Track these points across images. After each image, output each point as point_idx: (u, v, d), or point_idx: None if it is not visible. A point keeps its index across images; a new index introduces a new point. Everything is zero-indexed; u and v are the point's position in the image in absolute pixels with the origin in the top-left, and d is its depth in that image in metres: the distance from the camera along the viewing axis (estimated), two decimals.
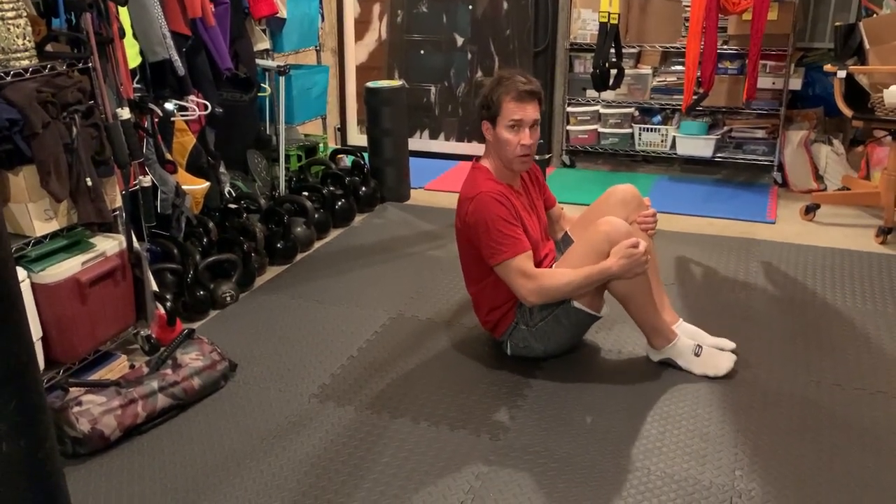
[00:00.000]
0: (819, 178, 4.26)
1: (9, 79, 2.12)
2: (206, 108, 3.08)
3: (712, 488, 1.92)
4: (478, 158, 2.49)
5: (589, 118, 4.71)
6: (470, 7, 4.94)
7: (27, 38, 2.17)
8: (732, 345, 2.52)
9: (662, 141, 4.55)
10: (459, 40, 5.04)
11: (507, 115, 2.33)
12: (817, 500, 1.87)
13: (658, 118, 4.56)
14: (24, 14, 2.16)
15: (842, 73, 3.55)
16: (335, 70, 5.20)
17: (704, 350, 2.43)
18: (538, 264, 2.44)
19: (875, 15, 3.91)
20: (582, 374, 2.46)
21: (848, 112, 3.59)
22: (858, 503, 1.86)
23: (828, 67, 3.64)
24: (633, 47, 4.51)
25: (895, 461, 2.00)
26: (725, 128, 4.47)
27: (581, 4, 4.55)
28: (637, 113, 4.62)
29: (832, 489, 1.90)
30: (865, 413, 2.21)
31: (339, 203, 3.86)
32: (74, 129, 2.22)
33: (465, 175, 2.48)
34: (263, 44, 3.74)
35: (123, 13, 2.58)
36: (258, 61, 3.61)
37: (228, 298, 2.99)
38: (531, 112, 2.34)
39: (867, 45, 3.58)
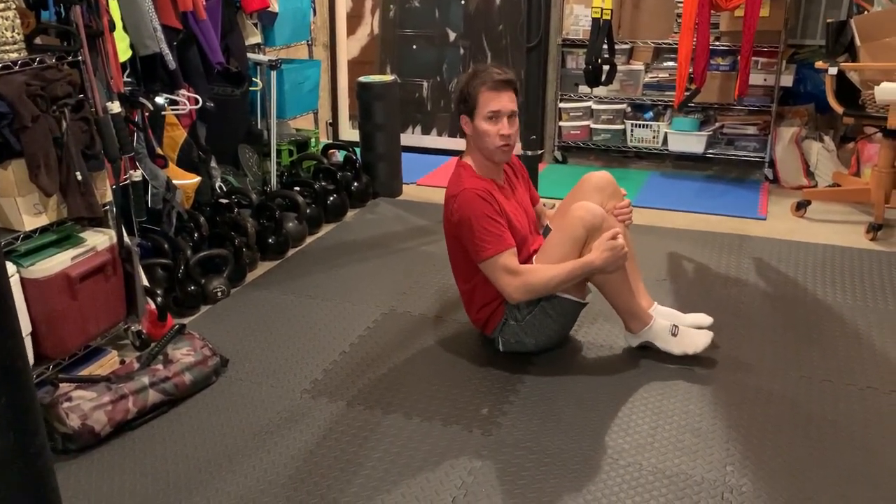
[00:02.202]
0: (810, 174, 4.28)
1: None
2: (196, 102, 3.07)
3: (704, 483, 1.92)
4: (461, 155, 2.49)
5: (581, 114, 4.71)
6: (462, 2, 4.93)
7: (16, 31, 2.15)
8: (710, 319, 2.55)
9: (654, 137, 4.56)
10: (452, 35, 5.03)
11: (484, 106, 2.33)
12: (808, 495, 1.88)
13: (650, 114, 4.57)
14: (13, 6, 2.14)
15: (833, 70, 3.56)
16: (327, 65, 5.18)
17: (681, 329, 2.45)
18: (528, 258, 2.45)
19: (866, 12, 3.92)
20: (574, 369, 2.46)
21: (839, 109, 3.60)
22: (849, 498, 1.87)
23: (819, 64, 3.66)
24: (626, 43, 4.51)
25: (885, 456, 2.01)
26: (717, 124, 4.48)
27: (573, 0, 4.54)
28: (629, 109, 4.62)
29: (823, 484, 1.91)
30: (856, 408, 2.22)
31: (331, 198, 3.85)
32: (64, 122, 2.20)
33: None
34: (255, 38, 3.72)
35: (114, 6, 2.56)
36: (249, 55, 3.60)
37: (220, 294, 2.98)
38: (507, 102, 2.34)
39: (858, 42, 3.60)
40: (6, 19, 2.11)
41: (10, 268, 2.15)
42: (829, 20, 3.72)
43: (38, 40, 2.29)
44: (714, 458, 2.02)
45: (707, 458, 2.02)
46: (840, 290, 3.00)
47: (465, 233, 2.35)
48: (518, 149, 3.66)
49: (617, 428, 2.15)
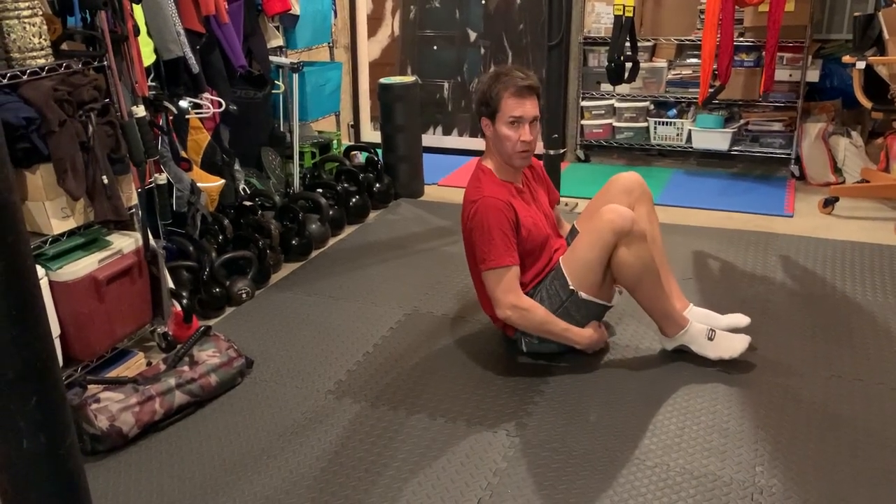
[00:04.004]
0: (837, 170, 4.21)
1: (25, 77, 2.13)
2: (220, 105, 3.09)
3: (733, 484, 1.90)
4: (481, 157, 2.48)
5: (603, 112, 4.68)
6: (483, 1, 4.92)
7: (43, 37, 2.17)
8: (747, 320, 2.50)
9: (678, 135, 4.52)
10: (472, 35, 5.02)
11: (506, 111, 2.31)
12: (839, 496, 1.84)
13: (673, 112, 4.53)
14: (40, 12, 2.17)
15: (861, 64, 3.51)
16: (348, 66, 5.20)
17: (717, 333, 2.41)
18: (550, 260, 2.44)
19: (894, 4, 3.85)
20: (599, 369, 2.44)
21: (867, 103, 3.55)
22: (880, 499, 1.83)
23: (846, 58, 3.60)
24: (649, 40, 4.47)
25: None
26: (742, 121, 4.42)
27: None
28: (652, 106, 4.58)
29: (854, 485, 1.88)
30: (887, 408, 2.18)
31: (354, 200, 3.86)
32: (90, 127, 2.22)
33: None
34: (277, 41, 3.74)
35: (138, 11, 2.58)
36: (272, 58, 3.62)
37: (244, 295, 3.00)
38: (530, 108, 2.33)
39: (886, 36, 3.53)
40: (33, 25, 2.14)
41: (39, 271, 2.18)
42: (855, 13, 3.67)
43: (64, 46, 2.31)
44: (743, 458, 1.99)
45: (736, 458, 1.99)
46: (870, 287, 2.95)
47: (476, 239, 2.35)
48: (540, 148, 3.66)
49: (644, 428, 2.13)
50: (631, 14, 3.70)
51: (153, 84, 2.81)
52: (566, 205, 3.90)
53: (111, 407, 2.11)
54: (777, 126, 4.35)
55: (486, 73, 2.42)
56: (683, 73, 4.46)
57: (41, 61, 2.17)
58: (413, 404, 2.28)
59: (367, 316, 2.86)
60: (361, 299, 3.01)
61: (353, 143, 4.74)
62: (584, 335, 2.41)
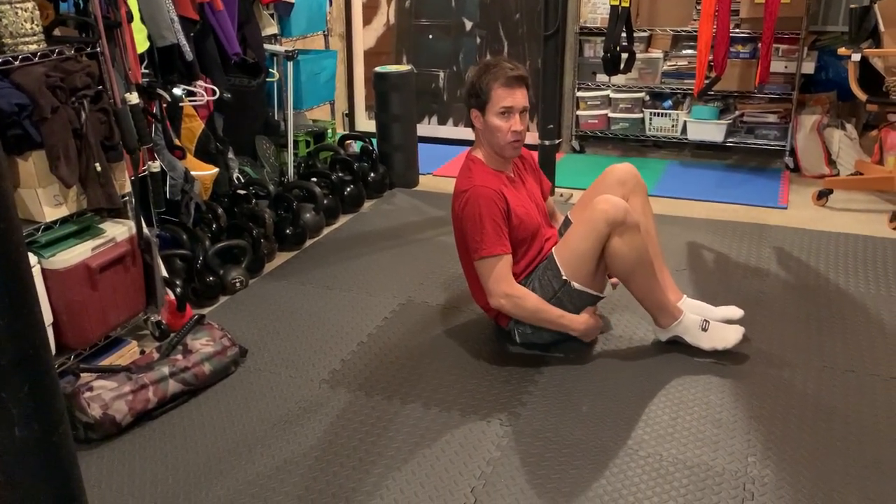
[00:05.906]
0: (832, 162, 4.22)
1: (17, 63, 2.11)
2: (214, 93, 3.07)
3: (725, 474, 1.91)
4: (471, 149, 2.48)
5: (599, 103, 4.67)
6: None
7: (35, 23, 2.16)
8: (740, 312, 2.51)
9: (673, 126, 4.51)
10: (468, 24, 5.00)
11: (496, 101, 2.31)
12: (831, 486, 1.86)
13: (669, 103, 4.52)
14: None
15: (856, 57, 3.50)
16: (343, 55, 5.18)
17: (711, 324, 2.42)
18: (541, 249, 2.45)
19: None
20: (593, 359, 2.45)
21: (862, 96, 3.55)
22: (873, 489, 1.85)
23: (842, 51, 3.60)
24: (645, 31, 4.46)
25: None
26: (737, 112, 4.43)
27: None
28: (648, 97, 4.57)
29: (846, 475, 1.89)
30: (879, 399, 2.20)
31: (348, 189, 3.85)
32: (83, 113, 2.21)
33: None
34: (271, 29, 3.72)
35: None
36: (266, 46, 3.59)
37: (238, 284, 2.99)
38: (520, 98, 2.33)
39: (882, 28, 3.53)
40: (25, 11, 2.12)
41: (31, 259, 2.16)
42: (851, 6, 3.66)
43: (56, 32, 2.30)
44: (735, 448, 2.00)
45: (728, 448, 2.00)
46: (863, 279, 2.96)
47: (467, 228, 2.35)
48: (534, 138, 3.66)
49: (636, 418, 2.14)
50: (627, 4, 3.69)
51: (147, 71, 2.79)
52: (561, 195, 3.90)
53: (104, 395, 2.11)
54: (772, 118, 4.35)
55: (475, 66, 2.42)
56: (679, 64, 4.46)
57: (33, 47, 2.16)
58: (407, 394, 2.29)
59: (362, 305, 2.86)
60: (356, 289, 3.01)
61: (347, 132, 4.72)
62: (579, 321, 2.41)
